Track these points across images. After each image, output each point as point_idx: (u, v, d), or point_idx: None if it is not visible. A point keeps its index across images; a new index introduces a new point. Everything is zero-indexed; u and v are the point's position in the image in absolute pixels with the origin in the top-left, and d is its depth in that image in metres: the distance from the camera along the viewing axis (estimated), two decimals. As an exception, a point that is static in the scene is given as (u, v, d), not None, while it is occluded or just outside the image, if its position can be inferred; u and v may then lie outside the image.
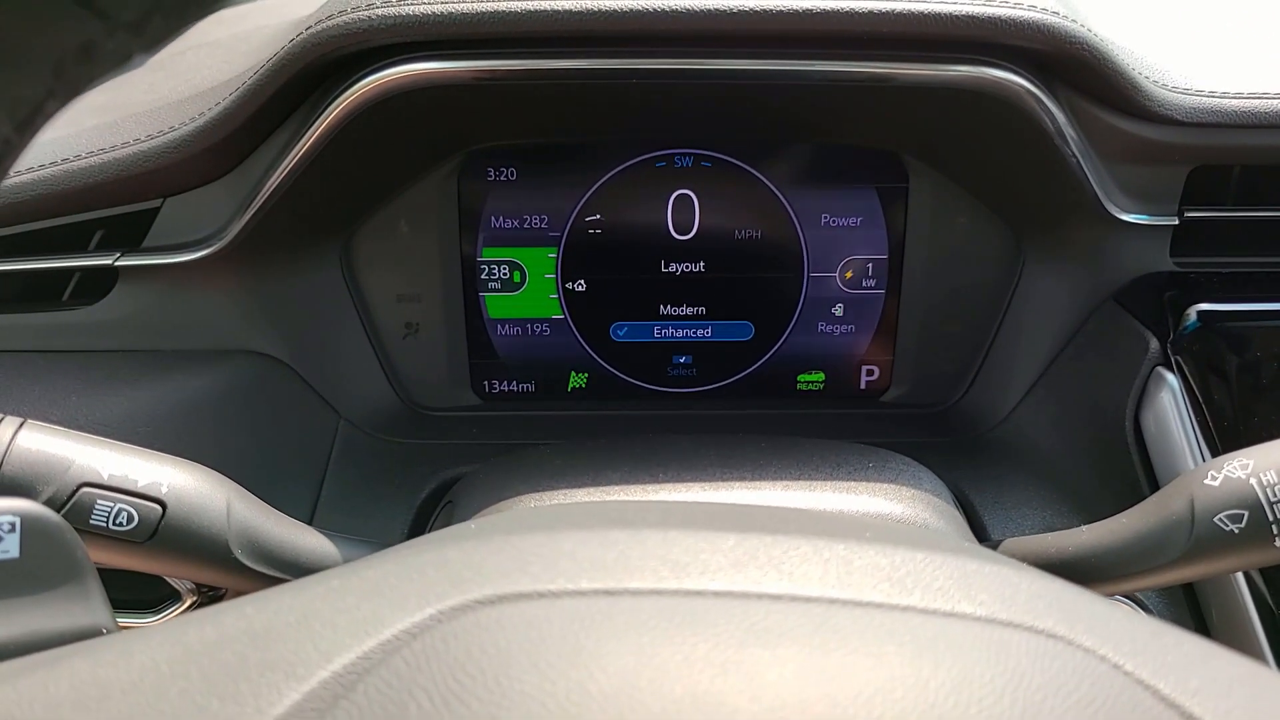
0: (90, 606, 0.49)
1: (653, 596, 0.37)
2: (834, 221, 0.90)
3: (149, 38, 0.33)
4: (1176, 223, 0.83)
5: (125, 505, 0.56)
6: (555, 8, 0.70)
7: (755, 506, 0.64)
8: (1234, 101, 0.78)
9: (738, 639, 0.33)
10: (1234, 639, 0.76)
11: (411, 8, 0.69)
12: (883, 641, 0.33)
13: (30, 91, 0.30)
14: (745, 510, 0.58)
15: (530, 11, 0.69)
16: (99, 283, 0.81)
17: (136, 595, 0.78)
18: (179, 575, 0.59)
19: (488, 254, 0.90)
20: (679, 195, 0.88)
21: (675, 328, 0.92)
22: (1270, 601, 0.76)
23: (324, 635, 0.33)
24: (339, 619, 0.34)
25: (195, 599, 0.76)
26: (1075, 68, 0.74)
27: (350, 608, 0.35)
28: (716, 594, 0.37)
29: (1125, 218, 0.81)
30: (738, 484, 0.67)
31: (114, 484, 0.56)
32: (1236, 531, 0.58)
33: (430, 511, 0.82)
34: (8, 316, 0.82)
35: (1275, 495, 0.58)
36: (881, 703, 0.30)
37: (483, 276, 0.90)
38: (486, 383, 0.94)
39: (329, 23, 0.69)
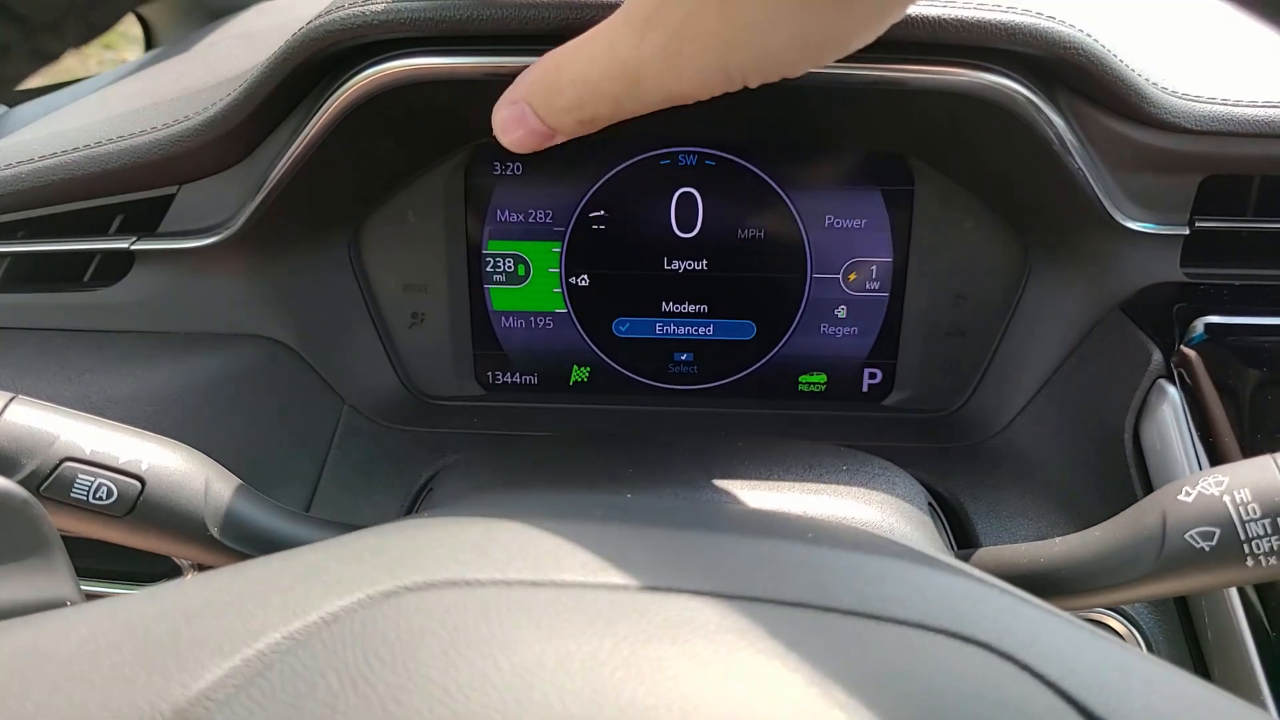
0: (55, 579, 0.51)
1: (575, 589, 0.37)
2: (838, 223, 0.89)
3: (71, 37, 0.35)
4: (1187, 232, 0.80)
5: (105, 480, 0.58)
6: (551, 3, 0.70)
7: (704, 506, 0.64)
8: (1249, 110, 0.76)
9: (646, 634, 0.34)
10: (1228, 657, 0.75)
11: (404, 4, 0.70)
12: (793, 640, 0.33)
13: None
14: (691, 509, 0.58)
15: (523, 9, 0.70)
16: (117, 265, 0.84)
17: (143, 569, 0.82)
18: (158, 550, 0.61)
19: (493, 247, 0.91)
20: (683, 193, 0.89)
21: (677, 325, 0.92)
22: (1264, 619, 0.74)
23: (255, 615, 0.34)
24: (273, 599, 0.35)
25: (195, 575, 0.78)
26: (1075, 73, 0.73)
27: (285, 589, 0.36)
28: (640, 588, 0.38)
29: (1133, 226, 0.79)
30: (706, 484, 0.67)
31: (96, 459, 0.58)
32: (1207, 549, 0.56)
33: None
34: (33, 295, 0.85)
35: (1248, 514, 0.56)
36: (770, 694, 0.30)
37: (488, 269, 0.91)
38: (490, 374, 0.95)
39: (326, 18, 0.70)
